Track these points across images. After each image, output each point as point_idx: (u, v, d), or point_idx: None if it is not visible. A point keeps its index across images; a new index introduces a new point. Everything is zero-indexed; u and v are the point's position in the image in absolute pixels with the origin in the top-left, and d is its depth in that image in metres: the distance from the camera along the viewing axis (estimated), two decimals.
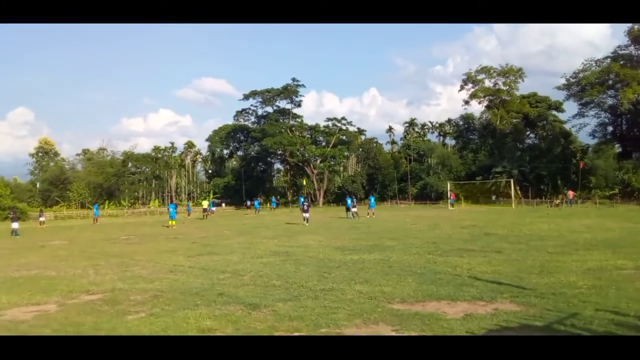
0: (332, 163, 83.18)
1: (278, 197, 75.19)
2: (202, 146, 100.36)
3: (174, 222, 33.80)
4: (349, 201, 39.48)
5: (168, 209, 37.18)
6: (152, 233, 29.04)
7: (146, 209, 68.97)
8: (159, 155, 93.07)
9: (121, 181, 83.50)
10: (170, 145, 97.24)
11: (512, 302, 8.84)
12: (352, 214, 37.57)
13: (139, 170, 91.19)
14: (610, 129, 59.88)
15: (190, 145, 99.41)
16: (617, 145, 61.33)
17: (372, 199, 43.63)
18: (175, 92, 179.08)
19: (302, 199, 44.66)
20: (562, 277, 10.89)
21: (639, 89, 49.28)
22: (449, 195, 54.16)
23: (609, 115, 58.65)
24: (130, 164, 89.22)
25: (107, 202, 74.30)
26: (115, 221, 47.84)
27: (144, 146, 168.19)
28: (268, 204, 66.96)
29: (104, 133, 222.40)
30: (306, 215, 33.61)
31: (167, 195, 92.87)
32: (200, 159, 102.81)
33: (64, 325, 8.24)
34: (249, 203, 62.63)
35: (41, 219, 43.52)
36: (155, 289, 11.09)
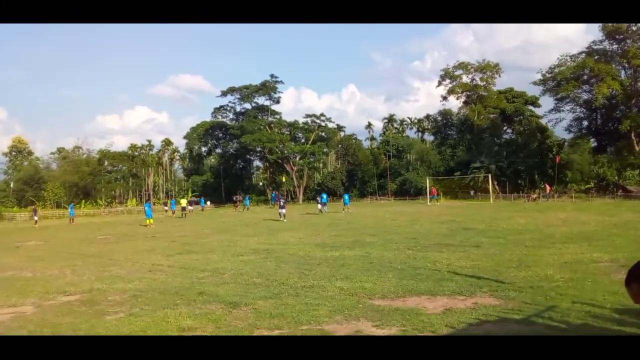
0: (312, 160, 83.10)
1: (251, 195, 74.31)
2: (180, 144, 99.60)
3: (151, 221, 33.44)
4: (324, 197, 42.61)
5: (144, 208, 36.70)
6: (130, 232, 28.72)
7: (123, 208, 68.11)
8: (136, 153, 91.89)
9: (97, 180, 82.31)
10: (147, 143, 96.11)
11: (491, 296, 8.95)
12: (322, 209, 39.81)
13: (116, 168, 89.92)
14: (585, 123, 60.92)
15: (167, 142, 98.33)
16: (592, 140, 62.39)
17: (347, 197, 45.48)
18: (152, 89, 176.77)
19: (274, 195, 44.79)
20: (540, 270, 11.06)
21: (613, 84, 50.13)
22: (429, 191, 54.38)
23: (584, 110, 59.62)
24: (106, 163, 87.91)
25: (83, 201, 73.17)
26: (92, 221, 47.20)
27: (120, 144, 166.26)
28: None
29: (79, 131, 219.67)
30: (282, 211, 33.95)
31: (145, 194, 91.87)
32: (178, 157, 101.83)
33: (40, 326, 8.11)
34: (236, 198, 59.75)
35: (35, 217, 42.97)
36: (134, 289, 10.98)
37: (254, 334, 7.21)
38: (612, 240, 15.62)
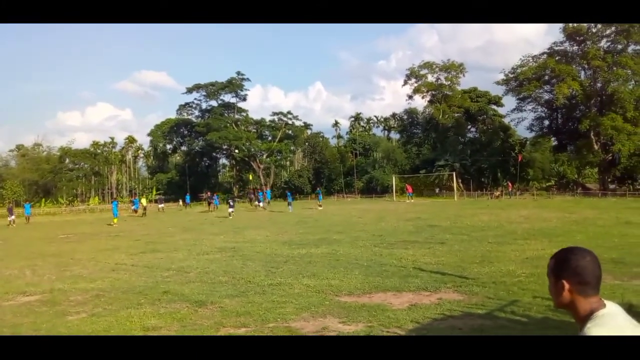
0: (279, 157, 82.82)
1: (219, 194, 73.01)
2: (144, 141, 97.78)
3: (115, 220, 32.88)
4: (289, 195, 44.90)
5: (113, 206, 36.01)
6: (93, 231, 28.11)
7: (86, 207, 66.58)
8: (98, 151, 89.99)
9: (58, 178, 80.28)
10: (110, 140, 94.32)
11: (455, 292, 9.09)
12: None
13: (77, 166, 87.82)
14: (546, 122, 62.20)
15: (131, 140, 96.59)
16: (553, 139, 63.80)
17: (319, 192, 46.70)
18: (114, 85, 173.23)
19: (264, 193, 45.72)
20: (502, 266, 11.29)
21: (573, 84, 51.33)
22: (405, 189, 54.57)
23: (546, 110, 60.90)
24: (67, 160, 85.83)
25: (43, 200, 71.27)
26: (53, 220, 45.99)
27: (82, 141, 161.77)
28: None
29: (39, 128, 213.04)
30: (230, 210, 36.63)
31: (108, 192, 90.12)
32: (142, 155, 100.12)
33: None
34: (205, 196, 55.89)
35: (11, 217, 39.44)
36: (96, 289, 10.76)
37: (220, 334, 7.16)
38: (572, 237, 16.07)
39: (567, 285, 2.08)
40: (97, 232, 27.43)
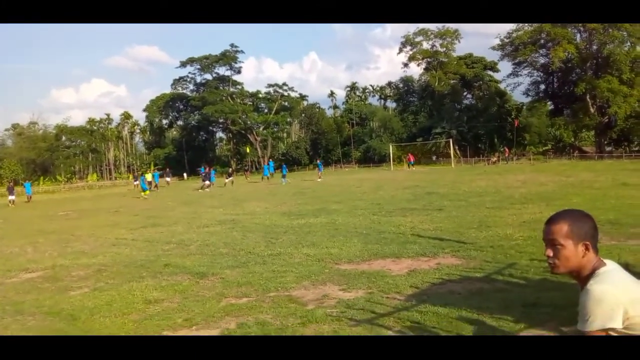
0: (275, 130, 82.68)
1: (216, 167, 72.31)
2: (140, 117, 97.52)
3: (146, 193, 33.75)
4: (284, 168, 43.68)
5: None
6: (92, 207, 28.18)
7: (84, 184, 66.62)
8: (95, 128, 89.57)
9: (55, 156, 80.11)
10: (105, 117, 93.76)
11: (453, 256, 9.18)
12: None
13: (74, 143, 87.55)
14: (542, 87, 61.90)
15: (126, 116, 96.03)
16: (549, 103, 63.63)
17: (320, 164, 45.75)
18: (108, 61, 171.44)
19: (202, 169, 42.62)
20: (500, 230, 11.37)
21: (569, 48, 50.98)
22: (407, 158, 54.40)
23: (541, 74, 60.56)
24: (64, 138, 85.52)
25: (41, 178, 71.28)
26: (52, 197, 46.04)
27: (78, 119, 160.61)
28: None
29: (34, 106, 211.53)
30: (229, 179, 39.46)
31: (106, 169, 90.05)
32: (138, 130, 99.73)
33: (2, 305, 7.96)
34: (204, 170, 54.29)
35: (11, 197, 38.38)
36: (98, 264, 10.84)
37: (222, 304, 7.24)
38: (569, 200, 16.14)
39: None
40: (96, 208, 27.50)
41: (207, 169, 41.24)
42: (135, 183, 48.16)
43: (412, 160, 52.77)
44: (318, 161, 48.26)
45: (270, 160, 53.30)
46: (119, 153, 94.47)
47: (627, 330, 1.98)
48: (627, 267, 4.80)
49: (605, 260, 2.16)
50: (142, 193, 33.65)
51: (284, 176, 41.15)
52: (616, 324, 1.96)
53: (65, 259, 11.75)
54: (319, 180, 39.86)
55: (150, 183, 43.66)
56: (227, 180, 39.36)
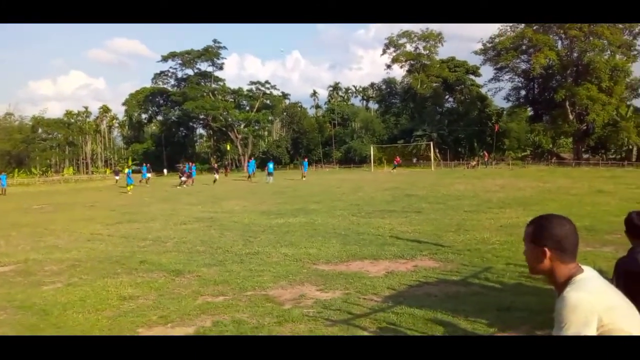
0: (257, 128, 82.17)
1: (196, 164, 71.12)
2: (119, 111, 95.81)
3: (130, 187, 33.14)
4: (270, 166, 41.33)
5: (127, 174, 35.38)
6: (68, 202, 27.73)
7: (60, 177, 65.52)
8: (72, 121, 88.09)
9: (31, 148, 78.65)
10: (83, 109, 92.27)
11: (430, 259, 9.23)
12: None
13: (51, 136, 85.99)
14: (523, 92, 62.63)
15: (105, 109, 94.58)
16: (529, 109, 64.41)
17: (305, 163, 45.52)
18: (86, 53, 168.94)
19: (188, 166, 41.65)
20: (477, 234, 11.47)
21: (550, 54, 51.64)
22: (395, 160, 53.48)
23: (522, 80, 61.29)
24: (40, 130, 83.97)
25: (16, 170, 69.92)
26: (26, 190, 45.16)
27: (55, 111, 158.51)
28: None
29: (10, 97, 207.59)
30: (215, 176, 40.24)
31: (82, 162, 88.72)
32: (116, 124, 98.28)
33: None
34: (180, 167, 50.78)
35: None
36: (72, 259, 10.67)
37: (198, 302, 7.17)
38: (546, 205, 16.35)
39: (548, 253, 2.12)
40: (72, 202, 27.08)
41: (183, 165, 40.51)
42: (117, 178, 46.67)
43: (397, 162, 52.34)
44: (304, 160, 47.83)
45: (252, 159, 51.34)
46: (97, 147, 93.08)
47: None
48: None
49: (584, 267, 2.16)
50: (127, 187, 33.09)
51: (269, 174, 39.63)
52: (590, 331, 1.97)
53: (38, 253, 11.54)
54: (303, 179, 39.79)
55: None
56: (217, 176, 40.75)
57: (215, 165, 42.17)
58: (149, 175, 44.73)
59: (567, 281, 2.11)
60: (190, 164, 41.14)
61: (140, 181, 42.84)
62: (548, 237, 2.13)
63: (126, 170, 44.01)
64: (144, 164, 46.69)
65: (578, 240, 2.14)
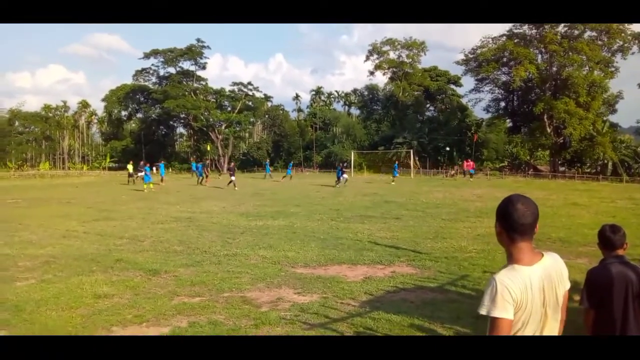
0: (238, 129, 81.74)
1: (170, 163, 69.66)
2: (98, 106, 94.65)
3: (150, 185, 31.60)
4: (267, 166, 44.38)
5: (145, 171, 33.07)
6: (43, 197, 27.26)
7: (36, 172, 64.39)
8: (50, 115, 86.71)
9: (7, 141, 77.16)
10: (62, 104, 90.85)
11: (408, 265, 9.29)
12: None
13: (28, 130, 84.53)
14: (502, 104, 63.38)
15: (84, 104, 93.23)
16: (508, 120, 65.22)
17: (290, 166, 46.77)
18: (66, 48, 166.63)
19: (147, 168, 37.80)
20: (455, 242, 11.58)
21: (530, 68, 52.36)
22: (465, 165, 47.27)
23: (502, 92, 62.03)
24: (17, 123, 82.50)
25: None
26: (0, 184, 44.30)
27: (32, 104, 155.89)
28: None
29: None
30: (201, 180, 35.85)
31: (59, 157, 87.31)
32: (95, 120, 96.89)
33: None
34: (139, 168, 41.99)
35: None
36: (46, 255, 10.50)
37: (174, 302, 7.12)
38: None
39: (499, 229, 2.32)
40: (47, 198, 26.62)
41: (143, 163, 36.68)
42: (139, 174, 37.94)
43: (472, 168, 46.12)
44: (290, 163, 49.17)
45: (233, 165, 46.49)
46: (74, 142, 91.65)
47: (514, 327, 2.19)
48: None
49: (545, 254, 2.36)
50: (145, 185, 31.41)
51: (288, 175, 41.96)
52: (498, 314, 2.16)
53: (11, 248, 11.33)
54: (281, 180, 40.31)
55: (130, 175, 40.36)
56: (233, 178, 32.27)
57: (232, 165, 37.26)
58: (140, 174, 40.16)
59: (510, 263, 2.28)
60: (147, 163, 36.51)
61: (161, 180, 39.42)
62: (500, 215, 2.30)
63: (129, 167, 41.61)
64: (161, 162, 43.98)
65: (531, 222, 2.27)
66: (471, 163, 45.54)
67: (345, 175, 36.27)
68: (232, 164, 38.70)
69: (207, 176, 38.82)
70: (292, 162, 49.90)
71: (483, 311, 2.21)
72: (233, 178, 32.51)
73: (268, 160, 59.17)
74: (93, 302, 7.12)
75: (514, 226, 2.25)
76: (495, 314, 2.16)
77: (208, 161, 52.62)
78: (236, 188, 30.18)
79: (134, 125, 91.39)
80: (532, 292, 2.20)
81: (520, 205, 2.26)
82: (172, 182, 41.87)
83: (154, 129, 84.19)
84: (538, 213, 2.30)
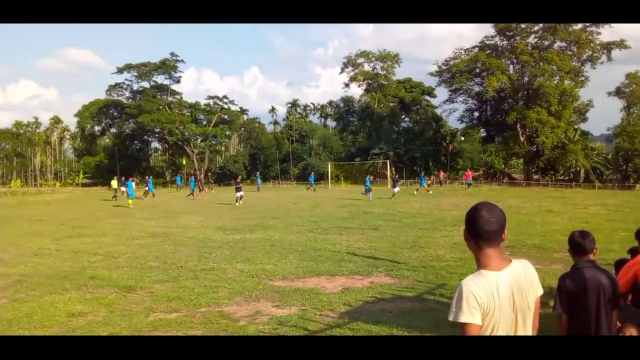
0: (214, 142, 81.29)
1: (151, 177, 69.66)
2: (71, 122, 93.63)
3: (130, 201, 30.35)
4: (258, 179, 45.70)
5: (126, 186, 31.73)
6: (14, 214, 26.67)
7: (7, 189, 63.10)
8: (21, 131, 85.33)
9: None
10: (33, 120, 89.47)
11: (386, 275, 9.30)
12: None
13: None
14: (476, 114, 64.31)
15: (56, 120, 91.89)
16: (482, 130, 66.18)
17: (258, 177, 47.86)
18: (37, 62, 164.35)
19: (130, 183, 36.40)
20: (432, 251, 11.64)
21: (502, 78, 53.30)
22: (466, 176, 46.84)
23: (476, 102, 62.98)
24: None
25: None
26: None
27: (2, 121, 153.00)
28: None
29: None
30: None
31: (31, 174, 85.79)
32: (68, 136, 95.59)
33: None
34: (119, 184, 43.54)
35: None
36: (18, 274, 10.25)
37: (150, 319, 7.00)
38: None
39: (465, 235, 2.36)
40: (18, 215, 26.05)
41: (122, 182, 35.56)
42: (124, 189, 37.41)
43: (469, 178, 45.40)
44: (257, 173, 49.27)
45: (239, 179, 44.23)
46: (46, 159, 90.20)
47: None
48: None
49: (514, 261, 2.33)
50: (130, 201, 30.37)
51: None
52: (465, 319, 2.19)
53: None
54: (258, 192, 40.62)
55: (115, 190, 39.72)
56: (238, 195, 29.67)
57: (239, 179, 33.98)
58: (123, 189, 39.23)
59: (479, 269, 2.30)
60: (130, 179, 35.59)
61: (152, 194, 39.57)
62: (467, 222, 2.34)
63: (113, 182, 40.42)
64: (148, 177, 42.50)
65: (496, 229, 2.27)
66: (469, 173, 45.77)
67: (397, 188, 35.96)
68: (239, 177, 36.10)
69: (200, 190, 38.19)
70: (258, 174, 51.32)
71: (451, 317, 2.24)
72: (241, 193, 30.17)
73: (259, 173, 59.10)
74: (67, 321, 6.96)
75: (479, 233, 2.27)
76: (462, 319, 2.19)
77: (201, 175, 51.68)
78: (237, 204, 29.01)
79: (107, 140, 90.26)
80: (499, 298, 2.21)
81: (485, 212, 2.28)
82: (159, 196, 41.18)
83: (128, 144, 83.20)
84: (504, 220, 2.31)
